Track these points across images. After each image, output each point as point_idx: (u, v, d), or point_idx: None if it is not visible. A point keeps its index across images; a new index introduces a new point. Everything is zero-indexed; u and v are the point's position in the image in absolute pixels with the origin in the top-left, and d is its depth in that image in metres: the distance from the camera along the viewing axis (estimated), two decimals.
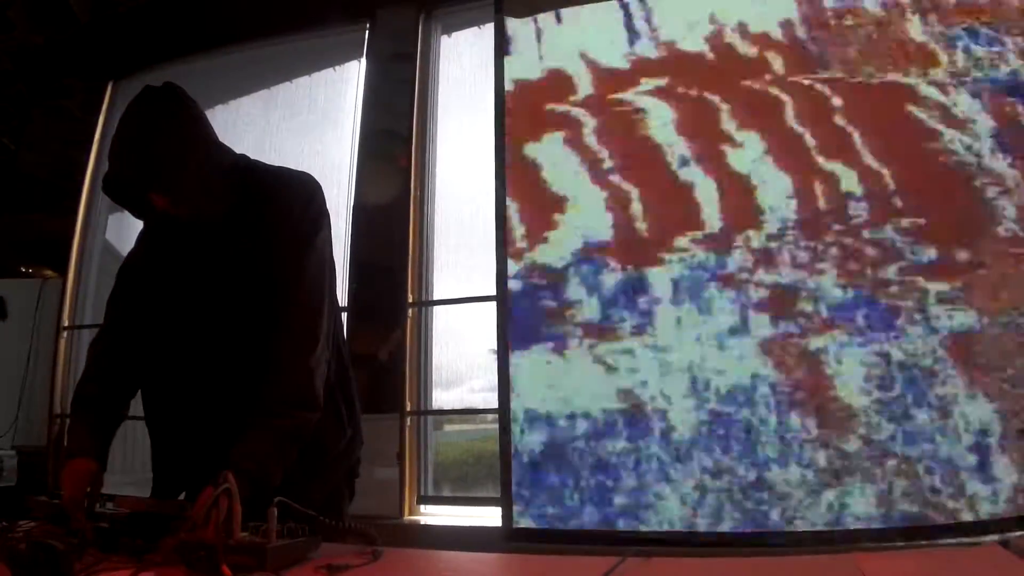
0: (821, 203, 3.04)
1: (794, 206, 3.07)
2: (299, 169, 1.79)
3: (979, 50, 3.04)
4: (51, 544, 1.09)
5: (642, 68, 3.44)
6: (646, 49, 3.45)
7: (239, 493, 1.24)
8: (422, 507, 3.71)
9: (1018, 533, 2.56)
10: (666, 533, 2.92)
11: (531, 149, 3.50)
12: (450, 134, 4.20)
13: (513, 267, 3.38)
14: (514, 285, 3.36)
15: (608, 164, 3.35)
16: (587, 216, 3.33)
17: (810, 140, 3.12)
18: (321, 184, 1.76)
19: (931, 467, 2.71)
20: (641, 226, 3.24)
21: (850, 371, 2.88)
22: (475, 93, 4.11)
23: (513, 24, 3.68)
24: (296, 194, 1.70)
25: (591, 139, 3.41)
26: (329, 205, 1.79)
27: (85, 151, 4.93)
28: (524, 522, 3.10)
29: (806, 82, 3.18)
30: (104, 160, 1.60)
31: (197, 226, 1.61)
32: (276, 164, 1.81)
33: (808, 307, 2.96)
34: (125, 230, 4.52)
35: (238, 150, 1.76)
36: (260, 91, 4.77)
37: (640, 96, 3.40)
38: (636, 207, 3.27)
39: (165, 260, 1.70)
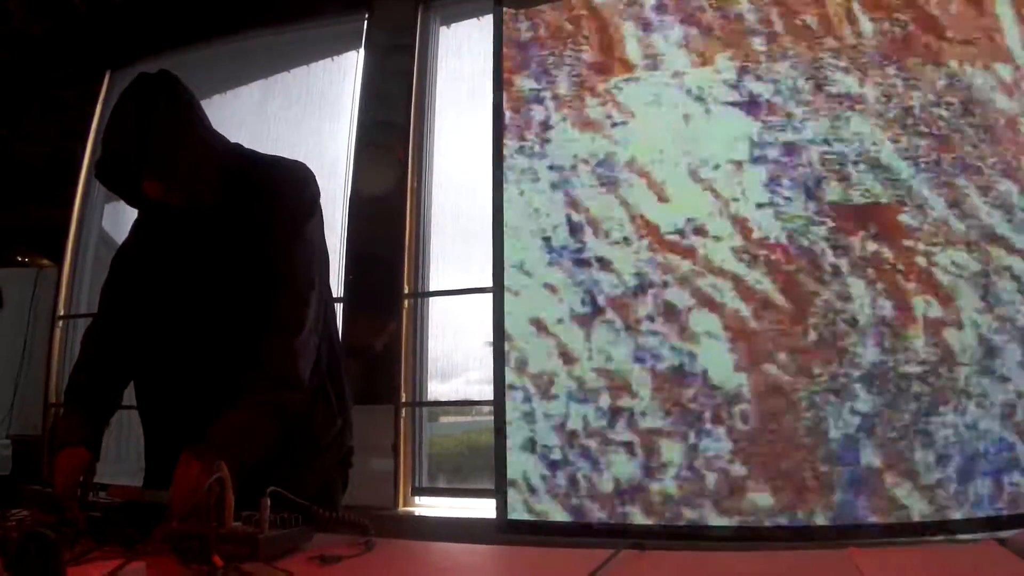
0: None
1: None
2: (293, 158, 1.78)
3: None
4: (42, 533, 1.08)
5: None
6: None
7: (215, 466, 1.23)
8: (417, 498, 3.71)
9: (1015, 531, 2.56)
10: (661, 526, 2.93)
11: None
12: (448, 125, 4.20)
13: None
14: None
15: None
16: None
17: None
18: (315, 173, 1.75)
19: None
20: None
21: None
22: (473, 85, 4.10)
23: None
24: (289, 181, 1.70)
25: None
26: (326, 195, 1.79)
27: (82, 141, 4.91)
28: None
29: None
30: (100, 149, 1.60)
31: (190, 214, 1.61)
32: (271, 153, 1.80)
33: None
34: (121, 220, 4.50)
35: (235, 140, 1.77)
36: (258, 81, 4.75)
37: None
38: None
39: (158, 249, 1.70)
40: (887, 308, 2.85)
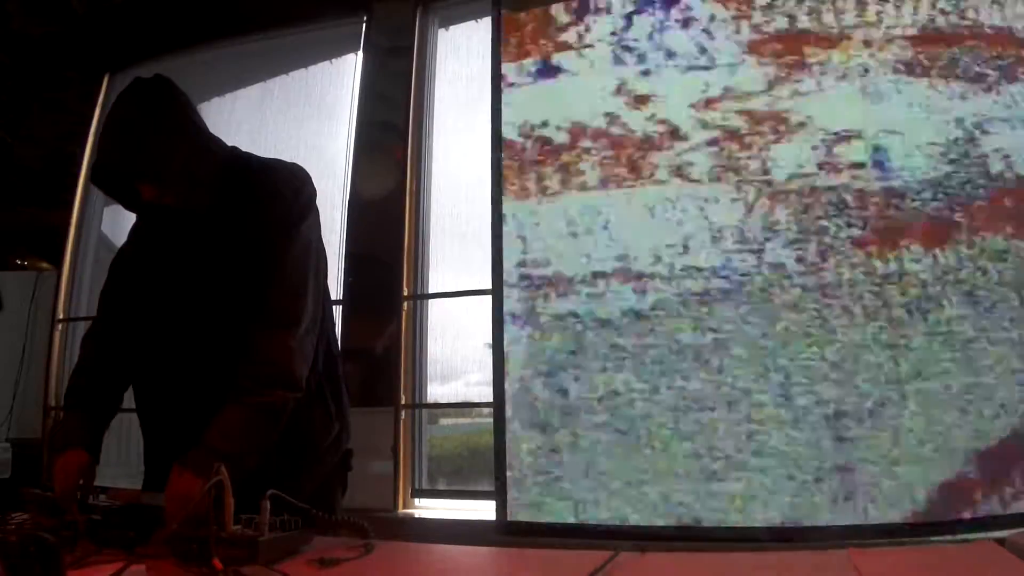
0: None
1: None
2: (291, 161, 1.78)
3: None
4: (42, 536, 1.08)
5: None
6: None
7: (214, 469, 1.23)
8: (417, 500, 3.71)
9: (1015, 531, 2.56)
10: (661, 528, 2.93)
11: None
12: (446, 127, 4.20)
13: None
14: None
15: None
16: None
17: None
18: (314, 176, 1.75)
19: None
20: None
21: None
22: (472, 87, 4.11)
23: None
24: (285, 182, 1.69)
25: None
26: (325, 198, 1.78)
27: (81, 144, 4.91)
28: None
29: None
30: (95, 153, 1.60)
31: (186, 216, 1.61)
32: (269, 156, 1.80)
33: None
34: (121, 223, 4.47)
35: (234, 143, 1.76)
36: (256, 84, 4.75)
37: None
38: None
39: (156, 252, 1.70)
40: None
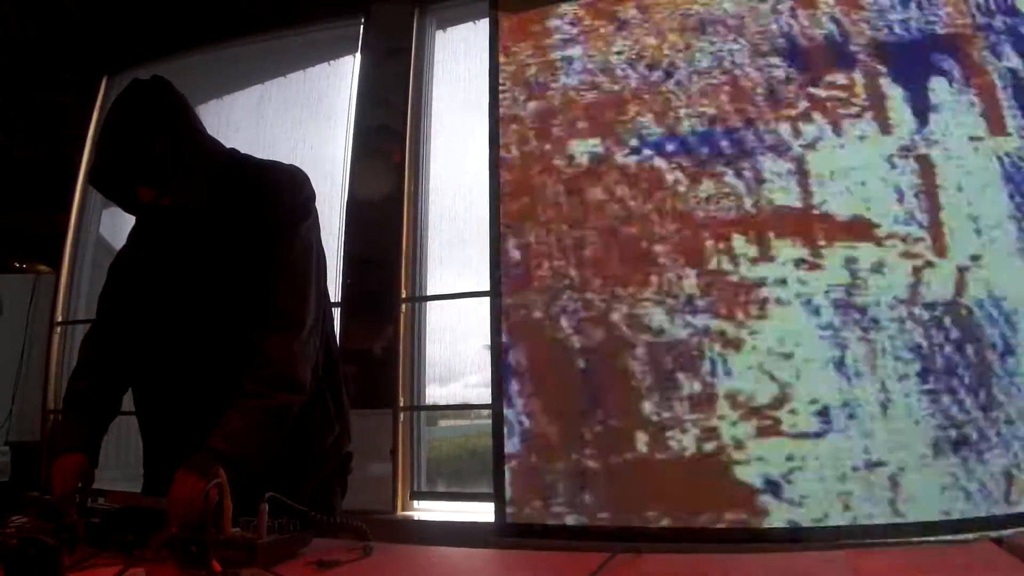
0: None
1: None
2: (289, 163, 1.78)
3: None
4: (41, 539, 1.09)
5: None
6: None
7: (216, 473, 1.24)
8: (415, 502, 3.71)
9: (1014, 530, 2.57)
10: (657, 529, 2.93)
11: None
12: (444, 129, 4.20)
13: None
14: None
15: None
16: None
17: None
18: (312, 178, 1.75)
19: None
20: None
21: None
22: (469, 88, 4.11)
23: None
24: (284, 183, 1.69)
25: None
26: (323, 200, 1.78)
27: (79, 146, 4.91)
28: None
29: None
30: (94, 155, 1.61)
31: (185, 218, 1.61)
32: (267, 158, 1.80)
33: None
34: (119, 225, 4.49)
35: (232, 145, 1.76)
36: (254, 86, 4.76)
37: None
38: None
39: (155, 254, 1.70)
40: None
